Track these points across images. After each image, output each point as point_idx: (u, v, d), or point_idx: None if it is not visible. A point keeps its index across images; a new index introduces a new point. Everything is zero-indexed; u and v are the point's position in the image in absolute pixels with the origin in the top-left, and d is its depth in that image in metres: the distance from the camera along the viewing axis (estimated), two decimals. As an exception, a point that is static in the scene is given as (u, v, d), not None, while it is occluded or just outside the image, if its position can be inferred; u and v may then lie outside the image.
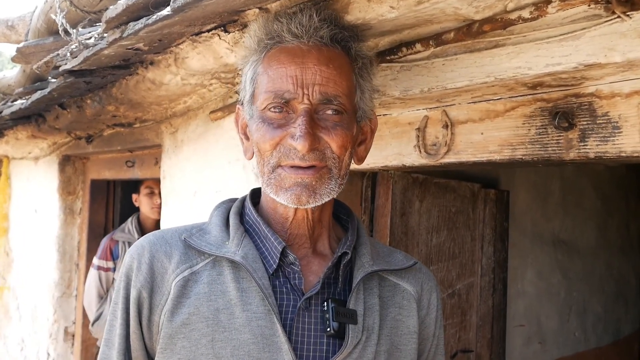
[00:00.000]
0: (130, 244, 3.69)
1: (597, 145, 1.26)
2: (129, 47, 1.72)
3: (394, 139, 1.71)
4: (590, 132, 1.27)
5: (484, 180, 2.61)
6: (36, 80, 2.94)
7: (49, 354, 4.04)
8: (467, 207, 2.40)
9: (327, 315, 1.07)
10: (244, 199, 1.23)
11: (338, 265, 1.13)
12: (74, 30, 1.85)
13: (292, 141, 1.06)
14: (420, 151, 1.62)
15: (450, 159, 1.55)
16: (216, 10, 1.34)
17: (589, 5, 1.07)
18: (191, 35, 1.64)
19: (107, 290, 3.67)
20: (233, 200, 1.23)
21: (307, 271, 1.13)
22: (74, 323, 4.05)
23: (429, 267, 2.06)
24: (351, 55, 1.16)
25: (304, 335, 1.07)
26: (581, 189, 3.77)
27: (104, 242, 3.75)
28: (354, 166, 1.30)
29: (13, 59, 2.39)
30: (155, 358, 1.08)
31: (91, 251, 3.92)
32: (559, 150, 1.32)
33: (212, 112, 2.24)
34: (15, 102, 3.15)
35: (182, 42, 1.72)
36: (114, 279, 3.67)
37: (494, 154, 1.45)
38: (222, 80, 2.01)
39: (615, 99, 1.24)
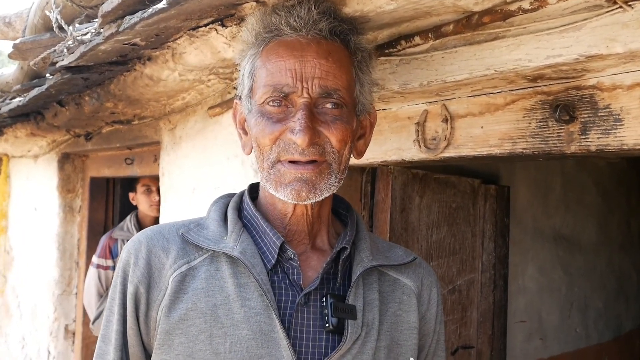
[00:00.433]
0: (129, 242, 3.68)
1: (599, 138, 1.24)
2: (126, 42, 1.71)
3: (393, 134, 1.70)
4: (591, 125, 1.26)
5: (485, 176, 2.60)
6: (34, 77, 2.92)
7: (49, 352, 4.03)
8: (468, 203, 2.39)
9: (326, 311, 1.06)
10: (242, 194, 1.22)
11: (337, 260, 1.12)
12: (69, 27, 1.83)
13: (292, 135, 1.05)
14: (420, 146, 1.61)
15: (450, 153, 1.54)
16: (213, 3, 1.33)
17: (590, -5, 1.06)
18: (188, 30, 1.62)
19: (107, 289, 3.66)
20: (231, 195, 1.22)
21: (306, 267, 1.12)
22: (75, 321, 4.04)
23: (430, 263, 2.05)
24: (350, 49, 1.14)
25: (303, 331, 1.06)
26: (582, 185, 3.76)
27: (103, 240, 3.74)
28: (353, 161, 1.28)
29: (10, 56, 2.37)
30: (153, 354, 1.07)
31: (91, 249, 3.91)
32: (560, 143, 1.31)
33: (210, 108, 2.23)
34: (13, 100, 3.13)
35: (179, 37, 1.70)
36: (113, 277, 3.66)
37: (494, 147, 1.44)
38: (220, 76, 2.00)
39: (617, 91, 1.22)
